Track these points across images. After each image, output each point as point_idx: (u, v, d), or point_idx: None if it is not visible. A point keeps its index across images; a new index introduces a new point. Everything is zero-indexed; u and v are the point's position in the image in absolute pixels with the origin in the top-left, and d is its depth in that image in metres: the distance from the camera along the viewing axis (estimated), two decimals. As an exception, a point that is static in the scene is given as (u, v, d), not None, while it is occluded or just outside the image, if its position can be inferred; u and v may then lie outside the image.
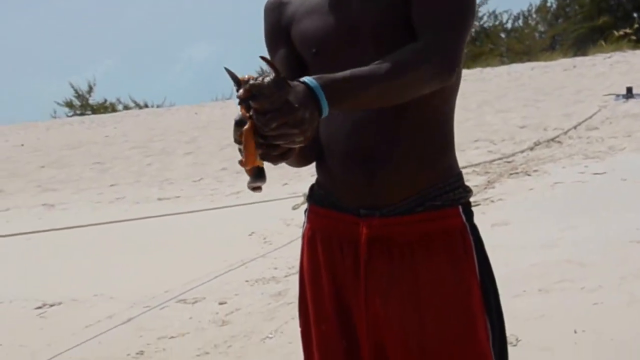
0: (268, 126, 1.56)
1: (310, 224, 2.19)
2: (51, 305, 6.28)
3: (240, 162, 1.67)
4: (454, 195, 2.04)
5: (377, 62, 1.76)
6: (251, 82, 1.59)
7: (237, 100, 1.64)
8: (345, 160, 1.93)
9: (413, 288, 1.99)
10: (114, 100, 37.45)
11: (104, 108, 37.47)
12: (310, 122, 1.59)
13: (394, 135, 1.96)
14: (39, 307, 6.26)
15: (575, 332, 4.66)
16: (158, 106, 34.72)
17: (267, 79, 1.57)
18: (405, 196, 2.00)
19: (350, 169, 1.99)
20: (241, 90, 1.58)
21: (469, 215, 2.07)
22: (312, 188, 2.23)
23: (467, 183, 2.10)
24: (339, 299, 2.09)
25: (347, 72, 1.71)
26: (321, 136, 2.08)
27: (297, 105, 1.56)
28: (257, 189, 1.73)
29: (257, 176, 1.73)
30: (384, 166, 1.98)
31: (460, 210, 2.05)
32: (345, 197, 2.05)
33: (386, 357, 2.04)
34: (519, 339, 4.54)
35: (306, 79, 1.64)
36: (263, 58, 1.68)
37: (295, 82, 1.62)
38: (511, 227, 7.22)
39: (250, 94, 1.58)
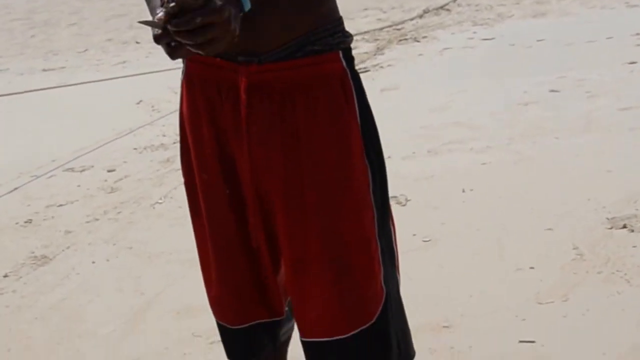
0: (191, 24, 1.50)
1: (188, 71, 2.10)
2: (-64, 175, 6.10)
3: None
4: (333, 39, 1.96)
5: None
6: None
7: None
8: None
9: (293, 134, 1.94)
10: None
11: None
12: (234, 20, 1.57)
13: None
14: None
15: (463, 191, 4.74)
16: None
17: None
18: (284, 42, 1.92)
19: None
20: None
21: (350, 61, 1.99)
22: None
23: (356, 51, 2.04)
24: (220, 146, 2.03)
25: None
26: None
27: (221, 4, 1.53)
28: None
29: None
30: (263, 10, 1.86)
31: (341, 55, 1.97)
32: None
33: (269, 203, 2.00)
34: (408, 198, 4.60)
35: None
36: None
37: None
38: (401, 92, 7.24)
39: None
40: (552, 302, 3.41)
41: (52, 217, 5.04)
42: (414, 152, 5.47)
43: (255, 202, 2.02)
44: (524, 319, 3.30)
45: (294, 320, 2.31)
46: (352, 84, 1.97)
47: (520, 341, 3.13)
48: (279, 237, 2.03)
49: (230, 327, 2.25)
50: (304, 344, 2.11)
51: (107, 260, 4.31)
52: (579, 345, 3.07)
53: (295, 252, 2.01)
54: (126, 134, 6.76)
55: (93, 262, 4.29)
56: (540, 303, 3.42)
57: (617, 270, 3.62)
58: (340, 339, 2.03)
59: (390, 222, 2.08)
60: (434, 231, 4.20)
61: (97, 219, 4.90)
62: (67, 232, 4.74)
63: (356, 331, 2.02)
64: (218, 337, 3.30)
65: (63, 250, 4.47)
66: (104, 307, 3.83)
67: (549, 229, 4.09)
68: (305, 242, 1.98)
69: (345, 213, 1.97)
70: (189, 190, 2.17)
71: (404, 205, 4.54)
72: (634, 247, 3.82)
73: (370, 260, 2.00)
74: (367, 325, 2.02)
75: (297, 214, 1.97)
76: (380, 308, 2.03)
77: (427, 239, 4.11)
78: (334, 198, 1.96)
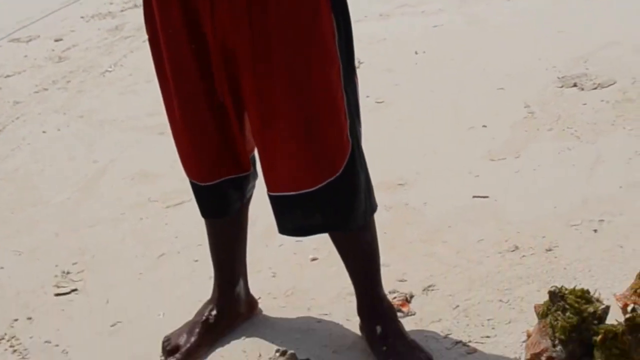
0: None
1: None
2: None
3: None
4: None
5: None
6: None
7: None
8: None
9: None
10: None
11: None
12: None
13: None
14: None
15: (416, 53, 4.72)
16: None
17: None
18: None
19: None
20: None
21: None
22: None
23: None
24: (185, 4, 2.01)
25: None
26: None
27: None
28: None
29: None
30: None
31: None
32: None
33: (235, 60, 2.01)
34: (361, 61, 4.56)
35: None
36: None
37: None
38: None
39: None
40: (504, 158, 3.45)
41: (0, 88, 4.94)
42: (366, 16, 5.41)
43: (220, 59, 2.02)
44: (477, 175, 3.33)
45: (257, 176, 2.34)
46: None
47: (474, 196, 3.17)
48: (245, 93, 2.04)
49: (201, 184, 2.27)
50: (271, 198, 2.14)
51: (58, 129, 4.26)
52: (531, 199, 3.11)
53: (262, 106, 2.02)
54: (72, 3, 6.59)
55: (44, 132, 4.24)
56: (492, 160, 3.45)
57: (568, 127, 3.65)
58: (308, 192, 2.06)
59: (355, 77, 2.11)
60: (388, 93, 4.19)
61: (46, 89, 4.82)
62: (16, 102, 4.66)
63: (323, 184, 2.05)
64: (174, 202, 3.35)
65: (13, 121, 4.40)
66: (57, 175, 3.80)
67: (501, 89, 4.11)
68: (272, 97, 1.99)
69: (312, 65, 1.98)
70: (153, 49, 2.15)
71: (357, 68, 4.50)
72: (584, 104, 3.85)
73: (337, 112, 2.03)
74: (334, 177, 2.05)
75: (264, 70, 1.98)
76: (346, 160, 2.06)
77: (380, 100, 4.10)
78: (301, 52, 1.97)
